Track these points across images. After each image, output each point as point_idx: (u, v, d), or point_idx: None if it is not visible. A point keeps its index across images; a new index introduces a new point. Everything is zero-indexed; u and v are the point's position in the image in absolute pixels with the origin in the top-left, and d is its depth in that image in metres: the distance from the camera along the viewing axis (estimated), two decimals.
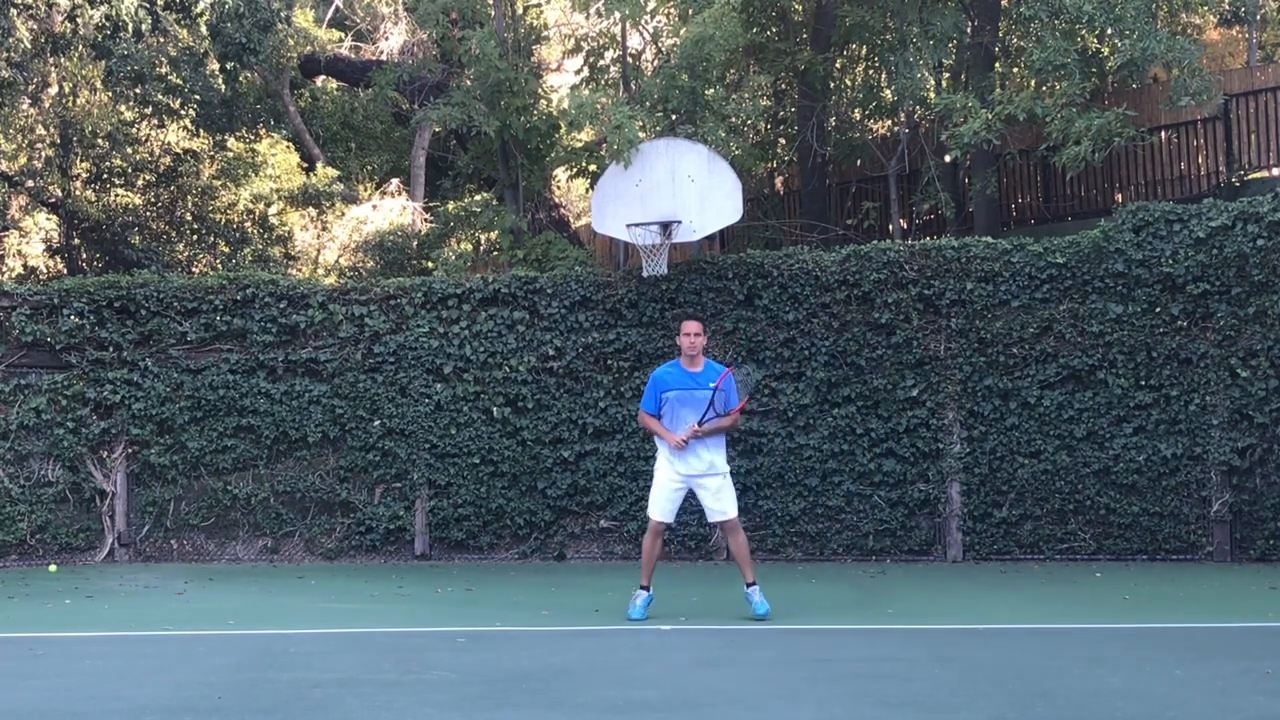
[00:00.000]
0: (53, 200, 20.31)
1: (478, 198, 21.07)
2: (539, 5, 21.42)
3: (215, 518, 13.36)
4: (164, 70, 18.99)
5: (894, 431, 12.88)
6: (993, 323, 12.80)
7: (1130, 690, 6.31)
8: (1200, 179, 16.20)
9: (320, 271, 20.47)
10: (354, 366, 13.33)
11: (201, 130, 20.50)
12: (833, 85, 18.40)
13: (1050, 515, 12.75)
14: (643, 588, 9.06)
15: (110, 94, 19.63)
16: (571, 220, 22.05)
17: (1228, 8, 18.54)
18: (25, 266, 20.91)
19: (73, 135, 19.84)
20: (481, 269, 17.13)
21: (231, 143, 20.81)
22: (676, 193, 13.13)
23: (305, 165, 22.44)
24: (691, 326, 9.12)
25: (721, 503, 9.02)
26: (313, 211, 21.33)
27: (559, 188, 22.68)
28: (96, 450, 13.27)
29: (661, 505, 9.08)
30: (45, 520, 13.12)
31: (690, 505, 13.03)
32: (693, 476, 9.01)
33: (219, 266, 19.55)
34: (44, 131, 20.26)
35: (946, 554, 12.88)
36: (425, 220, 21.31)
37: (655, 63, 17.46)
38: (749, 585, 9.01)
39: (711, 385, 8.91)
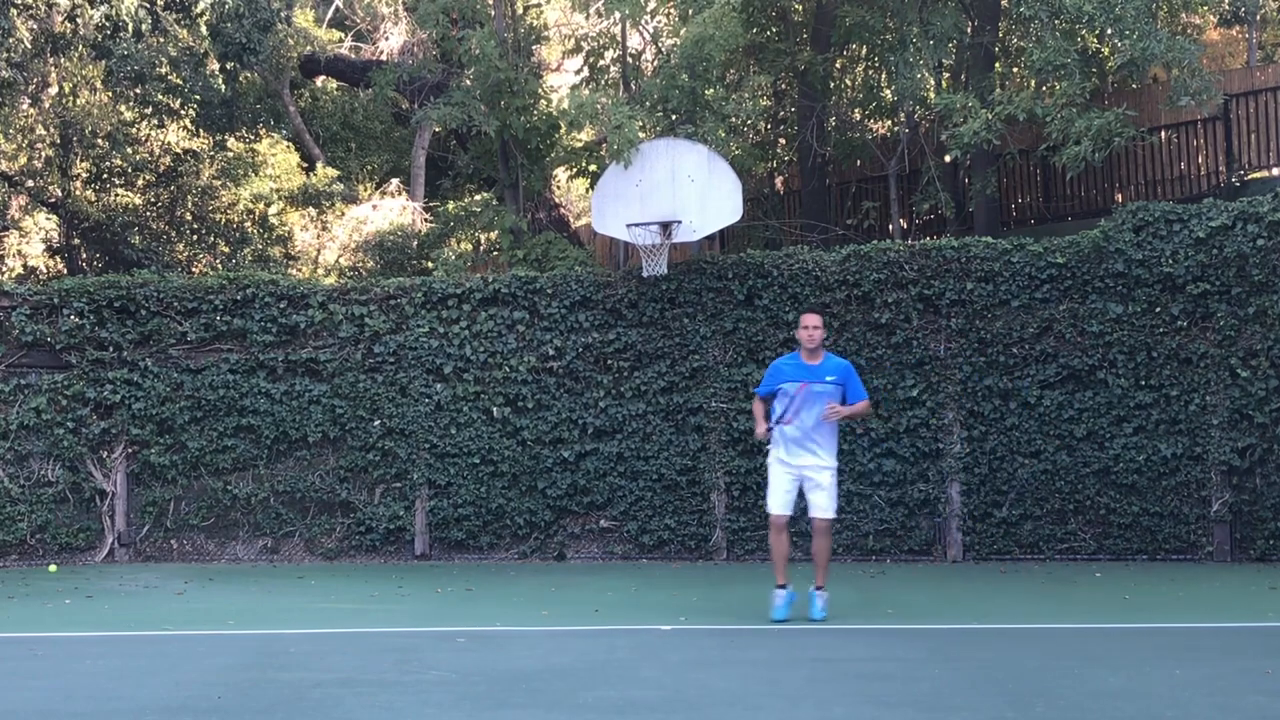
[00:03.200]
0: (53, 200, 20.30)
1: (478, 198, 21.07)
2: (539, 5, 21.40)
3: (215, 518, 13.37)
4: (164, 70, 18.99)
5: (894, 431, 12.88)
6: (993, 323, 12.80)
7: (1130, 690, 6.31)
8: (1200, 179, 16.19)
9: (320, 271, 20.47)
10: (354, 366, 13.33)
11: (201, 130, 20.50)
12: (833, 85, 18.39)
13: (1050, 515, 12.75)
14: (780, 586, 8.88)
15: (110, 94, 19.63)
16: (571, 220, 22.03)
17: (1228, 8, 18.49)
18: (25, 266, 20.89)
19: (73, 135, 19.82)
20: (481, 269, 17.13)
21: (231, 143, 20.81)
22: (676, 193, 13.13)
23: (305, 165, 22.44)
24: (811, 319, 9.00)
25: (826, 499, 8.85)
26: (313, 211, 21.33)
27: (559, 188, 22.66)
28: (96, 450, 13.27)
29: (777, 498, 8.91)
30: (45, 520, 13.13)
31: (691, 505, 13.13)
32: (803, 468, 8.85)
33: (219, 266, 19.54)
34: (44, 131, 20.25)
35: (946, 554, 12.88)
36: (425, 220, 21.32)
37: (655, 63, 17.44)
38: (817, 588, 8.88)
39: (829, 379, 8.82)
